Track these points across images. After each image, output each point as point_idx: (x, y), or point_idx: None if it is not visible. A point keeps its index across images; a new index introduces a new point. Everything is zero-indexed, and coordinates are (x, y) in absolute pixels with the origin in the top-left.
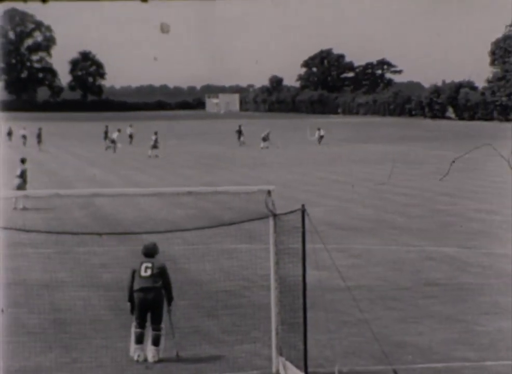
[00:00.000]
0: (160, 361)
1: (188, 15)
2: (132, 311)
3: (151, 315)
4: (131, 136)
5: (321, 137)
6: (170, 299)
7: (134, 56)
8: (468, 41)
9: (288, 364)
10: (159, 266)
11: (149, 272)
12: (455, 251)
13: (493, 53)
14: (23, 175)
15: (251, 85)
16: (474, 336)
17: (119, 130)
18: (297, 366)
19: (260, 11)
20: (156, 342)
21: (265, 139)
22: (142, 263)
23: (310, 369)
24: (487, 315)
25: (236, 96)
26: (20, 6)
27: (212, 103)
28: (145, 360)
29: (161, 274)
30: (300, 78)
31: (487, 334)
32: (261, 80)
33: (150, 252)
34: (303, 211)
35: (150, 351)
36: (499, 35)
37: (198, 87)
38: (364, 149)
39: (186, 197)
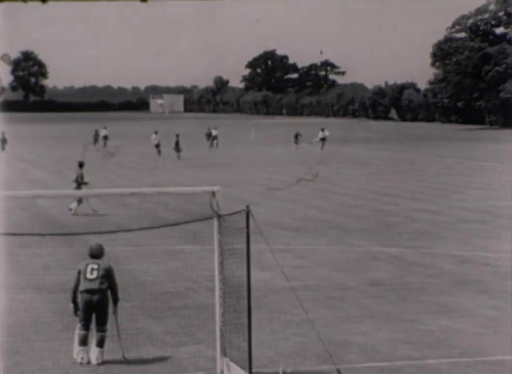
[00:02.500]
0: (104, 363)
1: (131, 16)
2: (75, 312)
3: (96, 316)
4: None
5: (324, 139)
6: (116, 301)
7: (77, 57)
8: (411, 43)
9: (232, 365)
10: (105, 267)
11: (95, 274)
12: (399, 251)
13: (434, 55)
14: (78, 179)
15: (195, 86)
16: (417, 335)
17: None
18: (242, 367)
19: (205, 12)
20: (100, 344)
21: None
22: (87, 265)
23: (254, 369)
24: (430, 314)
25: (181, 97)
26: None
27: (156, 104)
28: (89, 362)
29: (107, 276)
30: (244, 79)
31: (430, 333)
32: (205, 81)
33: (96, 254)
34: (247, 212)
35: (94, 353)
36: (440, 37)
37: (142, 87)
38: (308, 150)
39: (130, 198)
